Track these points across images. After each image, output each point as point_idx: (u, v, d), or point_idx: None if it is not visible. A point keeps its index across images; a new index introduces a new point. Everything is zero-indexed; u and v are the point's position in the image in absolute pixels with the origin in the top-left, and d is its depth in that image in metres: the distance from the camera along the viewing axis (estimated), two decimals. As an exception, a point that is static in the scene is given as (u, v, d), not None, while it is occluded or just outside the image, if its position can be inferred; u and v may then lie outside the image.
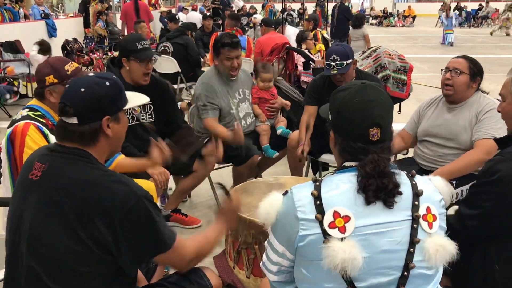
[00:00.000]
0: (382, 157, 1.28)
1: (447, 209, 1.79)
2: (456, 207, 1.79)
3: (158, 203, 3.12)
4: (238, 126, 3.16)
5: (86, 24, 11.22)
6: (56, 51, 9.60)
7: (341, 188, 1.29)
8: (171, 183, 3.63)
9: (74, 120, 1.43)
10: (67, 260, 1.36)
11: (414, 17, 25.99)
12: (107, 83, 1.47)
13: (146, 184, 2.61)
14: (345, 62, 3.06)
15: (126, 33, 10.06)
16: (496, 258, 1.64)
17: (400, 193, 1.27)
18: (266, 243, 1.44)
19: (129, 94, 1.60)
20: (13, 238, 1.45)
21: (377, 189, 1.25)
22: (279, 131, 3.57)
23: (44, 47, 7.19)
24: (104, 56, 9.57)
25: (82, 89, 1.44)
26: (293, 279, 1.41)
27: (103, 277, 1.40)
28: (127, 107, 1.56)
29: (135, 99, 1.67)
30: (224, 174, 4.07)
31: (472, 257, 1.70)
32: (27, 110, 2.22)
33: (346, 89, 1.38)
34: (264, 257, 1.45)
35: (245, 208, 2.34)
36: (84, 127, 1.44)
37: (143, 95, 1.77)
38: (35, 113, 2.20)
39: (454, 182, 2.59)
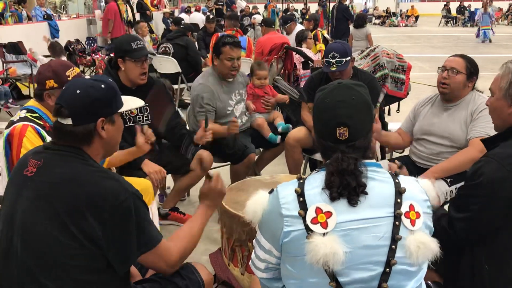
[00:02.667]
0: (347, 156, 1.30)
1: (442, 205, 1.80)
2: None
3: (156, 202, 3.15)
4: (234, 120, 3.19)
5: None
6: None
7: (320, 185, 1.32)
8: (170, 182, 3.66)
9: (69, 121, 1.47)
10: (59, 255, 1.38)
11: (417, 17, 25.92)
12: (103, 86, 1.51)
13: (144, 183, 2.63)
14: (344, 59, 3.09)
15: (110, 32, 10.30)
16: (484, 257, 1.65)
17: (365, 193, 1.28)
18: (254, 241, 1.46)
19: (124, 98, 1.64)
20: (6, 233, 1.48)
21: (340, 186, 1.27)
22: (279, 128, 3.59)
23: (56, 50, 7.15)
24: (107, 57, 9.62)
25: (78, 91, 1.48)
26: (281, 276, 1.43)
27: (94, 271, 1.42)
28: (121, 110, 1.59)
29: (130, 103, 1.71)
30: (221, 173, 4.08)
31: (461, 257, 1.71)
32: (25, 111, 2.24)
33: (323, 89, 1.43)
34: (252, 254, 1.47)
35: (240, 206, 2.36)
36: (78, 128, 1.47)
37: (138, 99, 1.80)
38: (33, 115, 2.22)
39: (448, 180, 2.61)
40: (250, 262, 1.50)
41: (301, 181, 1.35)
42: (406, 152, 3.11)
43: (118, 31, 10.61)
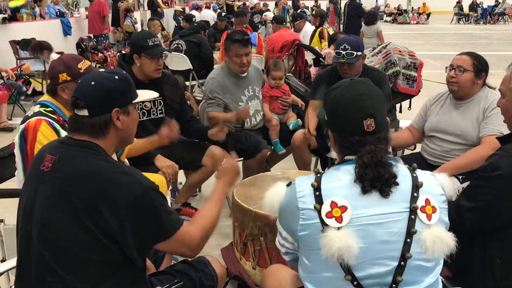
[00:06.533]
0: (379, 148, 1.32)
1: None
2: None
3: (168, 197, 3.18)
4: (245, 106, 3.28)
5: (115, 23, 11.23)
6: (71, 49, 9.76)
7: (340, 179, 1.34)
8: (181, 178, 3.69)
9: (85, 113, 1.50)
10: (75, 248, 1.41)
11: (428, 14, 25.72)
12: (116, 77, 1.54)
13: (157, 178, 2.66)
14: (355, 53, 3.07)
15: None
16: (496, 252, 1.66)
17: (397, 184, 1.30)
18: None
19: (139, 91, 1.66)
20: (24, 227, 1.51)
21: (373, 179, 1.28)
22: (290, 126, 3.63)
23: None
24: (118, 54, 9.70)
25: (93, 83, 1.51)
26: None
27: (111, 265, 1.44)
28: (136, 100, 1.61)
29: (145, 94, 1.74)
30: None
31: (472, 250, 1.71)
32: (39, 106, 2.27)
33: (336, 88, 1.44)
34: (276, 238, 1.52)
35: (252, 200, 2.39)
36: (94, 119, 1.50)
37: (152, 92, 1.83)
38: (47, 109, 2.25)
39: (460, 177, 2.60)
40: (276, 242, 1.53)
41: (318, 175, 1.37)
42: (418, 149, 3.11)
43: (108, 27, 10.70)
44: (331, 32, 7.34)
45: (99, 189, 1.40)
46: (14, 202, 2.43)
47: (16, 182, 2.34)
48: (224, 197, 1.79)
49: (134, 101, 1.59)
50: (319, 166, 3.93)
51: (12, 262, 1.90)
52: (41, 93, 7.61)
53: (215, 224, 1.66)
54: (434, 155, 2.82)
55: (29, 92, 6.91)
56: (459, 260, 1.68)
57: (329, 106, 1.42)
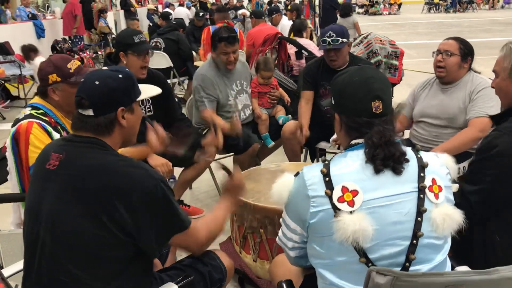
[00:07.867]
0: (387, 128, 1.35)
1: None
2: (457, 185, 1.84)
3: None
4: (236, 117, 3.22)
5: (88, 26, 10.98)
6: (46, 51, 9.55)
7: (349, 164, 1.36)
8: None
9: (90, 112, 1.49)
10: (89, 245, 1.40)
11: (400, 5, 26.09)
12: (120, 76, 1.53)
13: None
14: (340, 39, 3.13)
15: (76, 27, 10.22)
16: (496, 229, 1.70)
17: (407, 160, 1.34)
18: (281, 220, 1.51)
19: (141, 87, 1.66)
20: (32, 227, 1.49)
21: (385, 158, 1.31)
22: (280, 121, 3.64)
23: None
24: (94, 55, 9.56)
25: (97, 82, 1.50)
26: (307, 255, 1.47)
27: (121, 261, 1.45)
28: (140, 98, 1.61)
29: (148, 91, 1.73)
30: (225, 163, 4.11)
31: (473, 229, 1.75)
32: (30, 108, 2.23)
33: (344, 72, 1.47)
34: (280, 232, 1.52)
35: (250, 193, 2.40)
36: (99, 118, 1.49)
37: (155, 87, 1.82)
38: (38, 112, 2.21)
39: (451, 160, 2.67)
40: (277, 240, 1.54)
41: (326, 162, 1.38)
42: (407, 135, 3.17)
43: (83, 28, 10.49)
44: (309, 25, 7.39)
45: (112, 184, 1.41)
46: (5, 207, 2.39)
47: (10, 187, 2.30)
48: (228, 212, 1.82)
49: (138, 99, 1.59)
50: (308, 157, 3.96)
51: (10, 269, 1.85)
52: (18, 98, 7.46)
53: (219, 228, 1.70)
54: (423, 140, 2.88)
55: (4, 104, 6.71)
56: (461, 238, 1.74)
57: (338, 87, 1.45)
